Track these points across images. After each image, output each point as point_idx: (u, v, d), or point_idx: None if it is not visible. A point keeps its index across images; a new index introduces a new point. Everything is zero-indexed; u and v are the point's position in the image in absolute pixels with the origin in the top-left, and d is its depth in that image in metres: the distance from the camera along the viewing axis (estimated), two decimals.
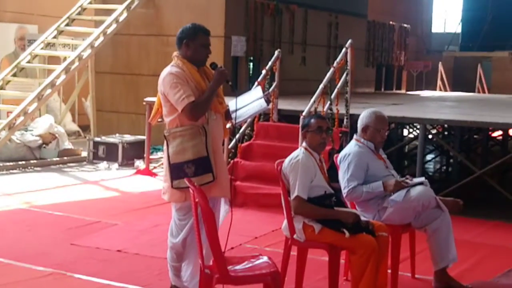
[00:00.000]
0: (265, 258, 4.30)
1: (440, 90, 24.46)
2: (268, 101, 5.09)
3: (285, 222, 4.97)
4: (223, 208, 4.88)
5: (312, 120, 5.03)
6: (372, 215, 5.23)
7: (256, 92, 5.14)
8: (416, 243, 5.65)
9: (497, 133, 13.62)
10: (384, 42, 19.11)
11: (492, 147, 13.34)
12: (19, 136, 10.99)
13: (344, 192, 5.24)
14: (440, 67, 24.91)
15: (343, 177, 5.30)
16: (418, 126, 10.40)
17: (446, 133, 12.77)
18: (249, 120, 9.02)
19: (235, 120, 4.93)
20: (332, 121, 8.66)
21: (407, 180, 5.28)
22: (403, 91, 20.71)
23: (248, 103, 5.00)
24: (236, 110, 4.87)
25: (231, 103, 4.94)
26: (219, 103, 4.77)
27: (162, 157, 10.39)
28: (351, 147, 5.44)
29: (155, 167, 10.43)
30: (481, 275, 5.88)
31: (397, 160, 11.77)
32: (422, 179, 5.43)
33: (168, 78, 4.63)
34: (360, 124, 5.47)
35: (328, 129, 5.09)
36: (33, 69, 13.24)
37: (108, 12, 12.98)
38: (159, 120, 4.99)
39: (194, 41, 4.71)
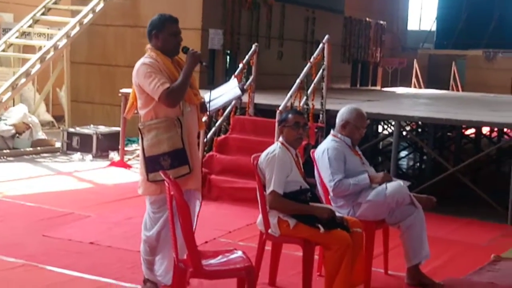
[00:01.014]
0: (239, 253, 4.30)
1: (415, 87, 24.65)
2: (243, 90, 5.09)
3: (260, 216, 4.98)
4: (198, 201, 4.87)
5: (290, 116, 5.04)
6: (346, 211, 5.25)
7: (232, 83, 5.15)
8: (389, 239, 5.68)
9: (470, 131, 13.74)
10: (360, 39, 19.20)
11: (465, 145, 13.46)
12: None
13: (331, 185, 5.22)
14: (415, 64, 25.09)
15: (325, 172, 5.28)
16: (393, 123, 10.44)
17: (420, 130, 12.85)
18: (225, 113, 9.03)
19: (209, 109, 4.92)
20: (308, 116, 8.67)
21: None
22: (378, 87, 20.83)
23: (223, 93, 5.00)
24: (210, 100, 4.87)
25: (206, 95, 4.93)
26: (193, 95, 4.76)
27: (137, 149, 10.37)
28: (328, 142, 5.45)
29: (129, 159, 10.37)
30: (453, 272, 5.93)
31: (371, 156, 11.82)
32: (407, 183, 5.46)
33: (141, 69, 4.63)
34: (339, 119, 5.47)
35: (305, 124, 5.11)
36: (8, 58, 13.09)
37: (85, 2, 12.87)
38: (135, 112, 4.96)
39: (162, 31, 4.72)
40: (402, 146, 13.35)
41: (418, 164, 12.94)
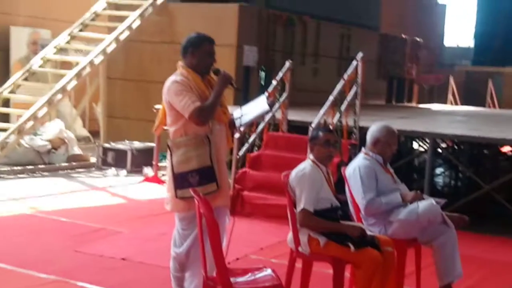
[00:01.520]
0: (269, 271, 4.28)
1: (451, 104, 24.38)
2: (271, 106, 5.09)
3: (290, 234, 4.95)
4: (227, 219, 4.86)
5: (320, 133, 5.01)
6: (378, 229, 5.20)
7: (261, 99, 5.15)
8: (422, 258, 5.60)
9: (506, 149, 13.54)
10: (395, 55, 19.08)
11: (501, 163, 13.26)
12: (28, 141, 11.02)
13: (363, 204, 5.18)
14: (451, 81, 24.84)
15: (357, 190, 5.25)
16: (428, 140, 10.34)
17: (456, 147, 12.70)
18: (258, 130, 9.04)
19: (239, 124, 4.94)
20: (341, 133, 8.65)
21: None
22: (414, 104, 20.66)
23: (252, 109, 5.01)
24: (240, 116, 4.88)
25: (235, 111, 4.95)
26: (222, 113, 4.77)
27: None
28: (359, 160, 5.42)
29: (163, 175, 10.43)
30: None
31: (406, 173, 11.72)
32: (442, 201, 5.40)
33: (173, 86, 4.64)
34: (370, 137, 5.44)
35: (336, 142, 5.08)
36: (45, 74, 13.27)
37: (122, 18, 13.04)
38: (164, 128, 4.99)
39: (199, 49, 4.74)
40: (437, 163, 13.21)
41: (453, 181, 12.78)
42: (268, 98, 5.20)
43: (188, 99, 4.56)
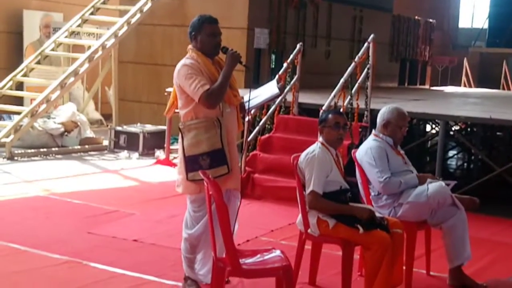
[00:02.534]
0: (277, 252, 4.32)
1: (465, 86, 24.28)
2: (281, 89, 5.10)
3: (299, 216, 4.98)
4: (237, 200, 4.89)
5: (330, 116, 5.02)
6: (387, 211, 5.22)
7: (272, 83, 5.17)
8: (431, 240, 5.62)
9: None
10: (409, 37, 18.99)
11: None
12: (42, 124, 11.09)
13: (380, 184, 5.19)
14: (465, 63, 24.70)
15: (372, 170, 5.27)
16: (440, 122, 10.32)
17: (468, 129, 12.66)
18: (269, 112, 9.04)
19: (248, 107, 4.96)
20: (352, 115, 8.64)
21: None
22: (427, 86, 20.58)
23: (262, 93, 5.03)
24: (249, 99, 4.91)
25: (246, 95, 4.96)
26: (233, 96, 4.79)
27: None
28: (370, 142, 5.44)
29: (175, 158, 10.46)
30: (497, 273, 5.84)
31: (418, 155, 11.71)
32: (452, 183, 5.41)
33: (183, 70, 4.67)
34: (380, 119, 5.45)
35: (345, 124, 5.08)
36: (57, 57, 13.33)
37: (133, 2, 13.03)
38: (175, 111, 5.02)
39: (200, 32, 4.75)
40: (450, 145, 13.19)
41: (466, 164, 12.76)
42: (278, 82, 5.21)
43: (198, 83, 4.58)
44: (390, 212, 5.23)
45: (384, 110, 5.48)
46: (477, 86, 24.58)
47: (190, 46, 4.83)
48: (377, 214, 4.85)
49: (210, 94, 4.57)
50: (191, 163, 4.65)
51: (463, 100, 13.71)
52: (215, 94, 4.59)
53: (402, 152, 5.56)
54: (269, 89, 5.09)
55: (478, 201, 5.43)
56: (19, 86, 12.56)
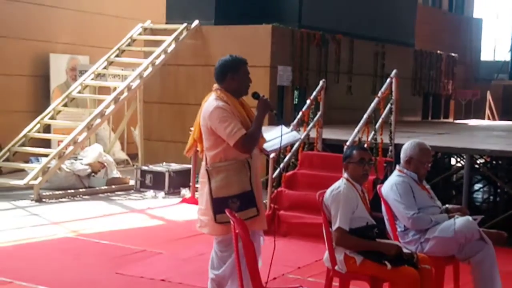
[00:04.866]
0: None
1: (489, 119, 24.16)
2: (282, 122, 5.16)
3: (326, 253, 4.98)
4: (262, 238, 4.90)
5: (354, 152, 5.05)
6: (414, 247, 5.21)
7: (279, 129, 5.17)
8: (460, 275, 5.58)
9: None
10: (431, 71, 19.00)
11: None
12: (69, 165, 11.22)
13: (409, 220, 5.20)
14: (489, 96, 24.62)
15: (398, 207, 5.28)
16: (465, 156, 10.29)
17: (493, 162, 12.58)
18: (293, 149, 9.08)
19: (268, 152, 4.99)
20: (376, 151, 8.65)
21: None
22: (450, 119, 20.52)
23: (276, 136, 5.04)
24: (280, 143, 4.94)
25: (266, 135, 5.00)
26: (260, 137, 4.82)
27: None
28: (394, 177, 5.45)
29: None
30: None
31: (444, 189, 11.65)
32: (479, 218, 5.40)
33: (216, 112, 4.64)
34: (403, 155, 5.47)
35: (370, 160, 5.10)
36: (84, 99, 13.56)
37: (157, 43, 13.27)
38: (196, 150, 5.03)
39: (238, 72, 4.77)
40: (476, 178, 13.11)
41: (492, 197, 12.65)
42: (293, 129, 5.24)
43: (234, 126, 4.58)
44: (417, 248, 5.21)
45: (406, 145, 5.50)
46: (500, 118, 24.44)
47: (216, 86, 4.82)
48: (405, 250, 4.84)
49: (247, 138, 4.58)
50: (220, 205, 4.61)
51: (487, 133, 13.65)
52: (252, 139, 4.61)
53: (427, 187, 5.56)
54: (290, 134, 5.12)
55: (506, 234, 5.40)
56: (47, 128, 12.76)
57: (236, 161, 4.65)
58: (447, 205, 5.55)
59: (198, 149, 4.97)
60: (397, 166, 5.53)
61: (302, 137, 8.92)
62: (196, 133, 4.91)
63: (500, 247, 5.40)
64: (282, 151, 8.87)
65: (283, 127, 5.40)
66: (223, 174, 4.64)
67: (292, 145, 8.99)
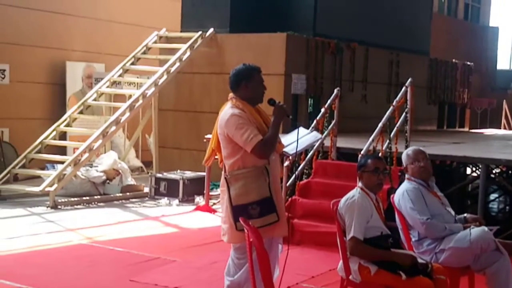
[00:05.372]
0: None
1: (505, 128, 24.04)
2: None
3: (340, 262, 4.97)
4: (280, 246, 4.90)
5: (369, 161, 5.05)
6: (429, 257, 5.18)
7: (301, 131, 5.20)
8: (475, 286, 5.55)
9: None
10: (446, 80, 18.94)
11: None
12: (84, 172, 11.28)
13: (422, 225, 5.21)
14: (505, 105, 24.50)
15: (411, 213, 5.29)
16: (480, 166, 10.24)
17: (510, 172, 12.51)
18: (307, 158, 9.07)
19: (289, 155, 4.99)
20: (391, 160, 8.63)
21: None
22: (466, 129, 20.44)
23: (295, 140, 5.06)
24: (297, 149, 4.94)
25: (283, 139, 5.01)
26: (278, 143, 4.83)
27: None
28: (405, 185, 5.51)
29: (214, 204, 10.54)
30: None
31: (459, 199, 11.59)
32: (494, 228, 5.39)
33: (232, 120, 4.68)
34: (404, 168, 5.60)
35: (385, 169, 5.10)
36: (99, 107, 13.63)
37: (172, 51, 13.33)
38: (215, 158, 5.05)
39: (251, 81, 4.81)
40: (492, 188, 13.03)
41: (507, 207, 12.58)
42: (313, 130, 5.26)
43: (250, 133, 4.61)
44: (432, 258, 5.19)
45: (402, 156, 5.63)
46: None
47: (232, 95, 4.86)
48: (420, 260, 4.82)
49: (264, 144, 4.61)
50: (239, 212, 4.62)
51: (503, 142, 13.57)
52: (269, 144, 4.64)
53: (439, 194, 5.56)
54: (311, 134, 5.13)
55: None
56: (63, 136, 12.84)
57: (254, 168, 4.67)
58: (465, 214, 5.54)
59: (217, 157, 4.98)
60: (406, 175, 5.55)
61: (323, 136, 8.89)
62: (214, 143, 4.93)
63: None
64: (296, 159, 8.87)
65: (302, 128, 5.43)
66: (242, 181, 4.67)
67: (306, 152, 8.98)
